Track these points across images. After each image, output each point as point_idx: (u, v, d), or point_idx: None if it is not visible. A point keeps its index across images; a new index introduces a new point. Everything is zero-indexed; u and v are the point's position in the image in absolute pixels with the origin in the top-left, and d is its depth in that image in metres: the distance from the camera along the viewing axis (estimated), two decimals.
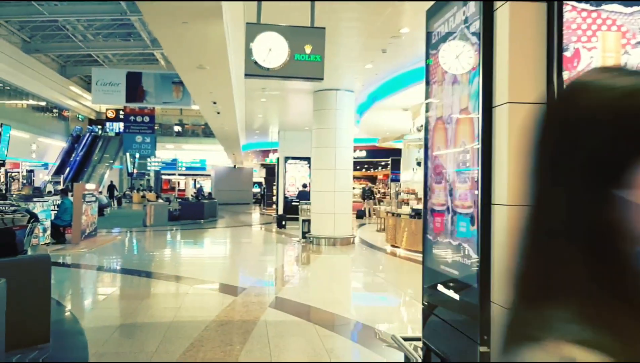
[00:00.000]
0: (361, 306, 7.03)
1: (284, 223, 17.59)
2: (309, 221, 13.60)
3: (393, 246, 12.67)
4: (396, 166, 20.70)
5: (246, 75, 6.55)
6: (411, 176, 16.18)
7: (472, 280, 2.86)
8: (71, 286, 8.03)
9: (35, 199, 12.06)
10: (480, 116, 2.73)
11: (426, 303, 3.61)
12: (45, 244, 11.33)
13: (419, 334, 3.64)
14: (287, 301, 6.91)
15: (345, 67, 11.00)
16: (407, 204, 12.99)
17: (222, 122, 16.33)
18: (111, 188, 33.42)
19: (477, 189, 2.81)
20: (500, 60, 2.59)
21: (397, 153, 21.89)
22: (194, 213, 19.93)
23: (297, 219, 17.43)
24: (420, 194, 16.28)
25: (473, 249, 2.91)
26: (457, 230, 3.24)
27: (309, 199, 17.84)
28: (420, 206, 12.02)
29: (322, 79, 6.65)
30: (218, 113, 13.66)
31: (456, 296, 3.11)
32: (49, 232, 11.53)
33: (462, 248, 3.10)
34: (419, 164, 15.12)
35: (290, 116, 17.17)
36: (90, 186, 13.11)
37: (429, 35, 3.59)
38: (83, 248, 11.40)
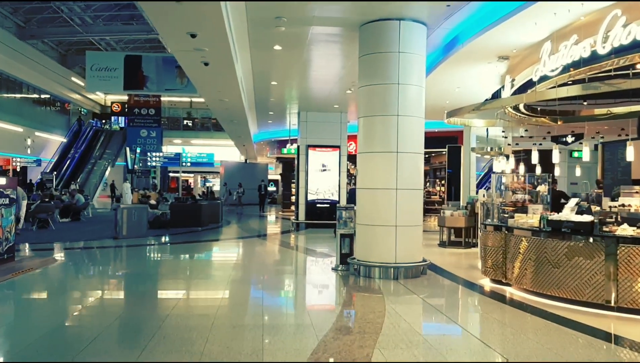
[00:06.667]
0: None
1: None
2: (350, 237, 8.09)
3: (496, 281, 7.08)
4: (455, 157, 14.84)
5: None
6: (502, 166, 10.53)
7: None
8: None
9: None
10: None
11: None
12: None
13: None
14: None
15: None
16: (522, 210, 7.42)
17: (220, 90, 10.81)
18: (112, 187, 30.37)
19: None
20: None
21: (452, 140, 16.15)
22: (190, 219, 14.41)
23: (321, 226, 12.05)
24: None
25: None
26: None
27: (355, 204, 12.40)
28: (560, 216, 6.40)
29: None
30: (206, 65, 8.18)
31: None
32: None
33: None
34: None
35: (316, 84, 11.65)
36: (0, 180, 7.70)
37: None
38: None
